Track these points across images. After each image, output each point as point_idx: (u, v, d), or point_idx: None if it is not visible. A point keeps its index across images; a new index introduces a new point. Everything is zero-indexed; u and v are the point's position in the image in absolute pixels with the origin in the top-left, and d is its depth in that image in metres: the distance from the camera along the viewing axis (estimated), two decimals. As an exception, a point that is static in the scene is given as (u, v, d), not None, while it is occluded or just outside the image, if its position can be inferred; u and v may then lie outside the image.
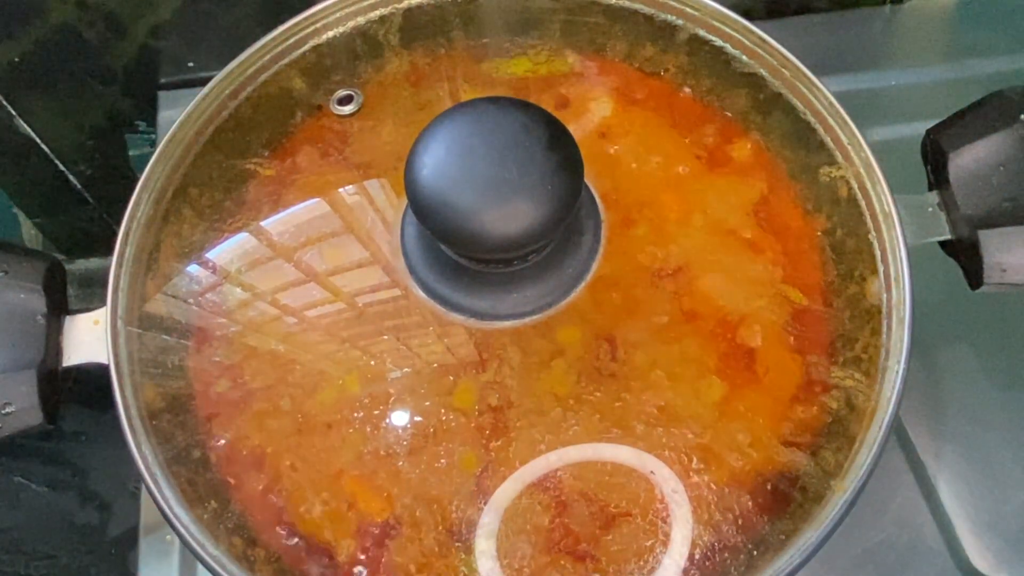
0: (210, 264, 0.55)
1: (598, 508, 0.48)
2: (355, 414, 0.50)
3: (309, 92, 0.59)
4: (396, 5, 0.59)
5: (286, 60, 0.57)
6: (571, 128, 0.58)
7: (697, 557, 0.48)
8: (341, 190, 0.57)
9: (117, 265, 0.48)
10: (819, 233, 0.55)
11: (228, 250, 0.56)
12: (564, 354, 0.51)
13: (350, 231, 0.56)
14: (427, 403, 0.50)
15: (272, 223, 0.56)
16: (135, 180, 0.78)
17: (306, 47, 0.57)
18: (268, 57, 0.56)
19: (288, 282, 0.54)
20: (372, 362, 0.51)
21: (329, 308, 0.53)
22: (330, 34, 0.58)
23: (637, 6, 0.58)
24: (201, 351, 0.53)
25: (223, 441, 0.51)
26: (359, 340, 0.52)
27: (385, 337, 0.51)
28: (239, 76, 0.55)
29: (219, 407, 0.52)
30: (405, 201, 0.53)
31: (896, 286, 0.47)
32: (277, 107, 0.58)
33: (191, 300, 0.54)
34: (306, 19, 0.56)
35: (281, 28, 0.55)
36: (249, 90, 0.56)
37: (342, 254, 0.55)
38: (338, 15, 0.58)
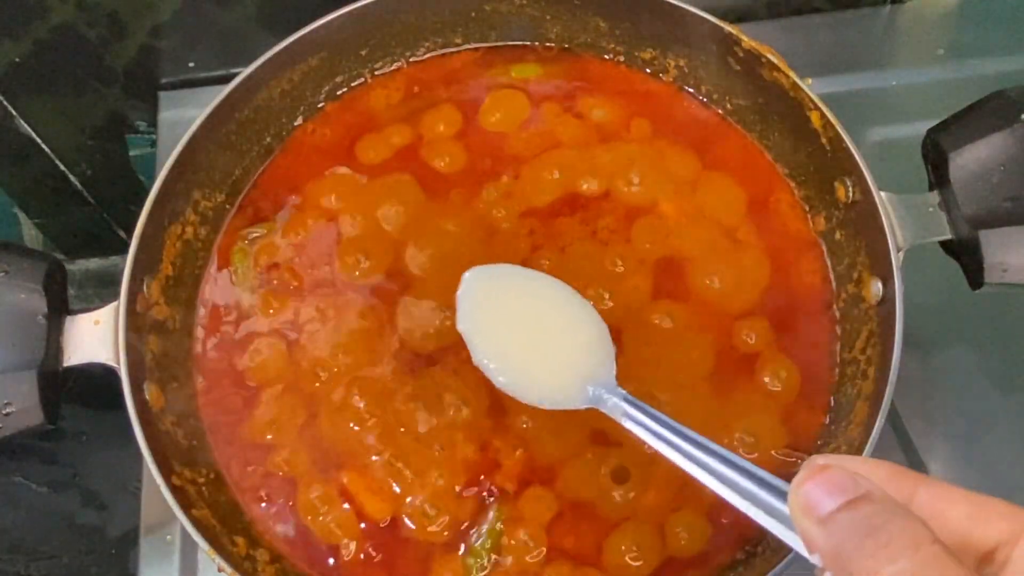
0: (216, 266, 0.56)
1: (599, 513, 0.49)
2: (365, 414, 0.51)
3: (311, 101, 0.60)
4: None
5: (284, 74, 0.57)
6: (572, 130, 0.58)
7: (696, 554, 0.48)
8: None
9: (130, 270, 0.48)
10: (817, 234, 0.55)
11: (231, 251, 0.56)
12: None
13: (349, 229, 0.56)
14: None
15: (275, 225, 0.56)
16: (136, 180, 0.78)
17: (300, 63, 0.57)
18: (267, 73, 0.55)
19: (291, 285, 0.54)
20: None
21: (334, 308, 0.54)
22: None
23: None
24: (207, 353, 0.53)
25: (229, 440, 0.51)
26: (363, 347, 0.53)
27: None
28: (241, 91, 0.55)
29: (226, 406, 0.52)
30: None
31: (892, 287, 0.47)
32: (276, 119, 0.58)
33: (197, 301, 0.55)
34: (307, 33, 0.56)
35: (282, 44, 0.55)
36: (250, 105, 0.56)
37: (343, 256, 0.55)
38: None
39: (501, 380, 0.43)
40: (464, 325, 0.44)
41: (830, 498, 0.28)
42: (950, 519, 0.28)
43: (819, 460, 0.30)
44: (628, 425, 0.40)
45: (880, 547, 0.26)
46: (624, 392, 0.41)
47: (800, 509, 0.29)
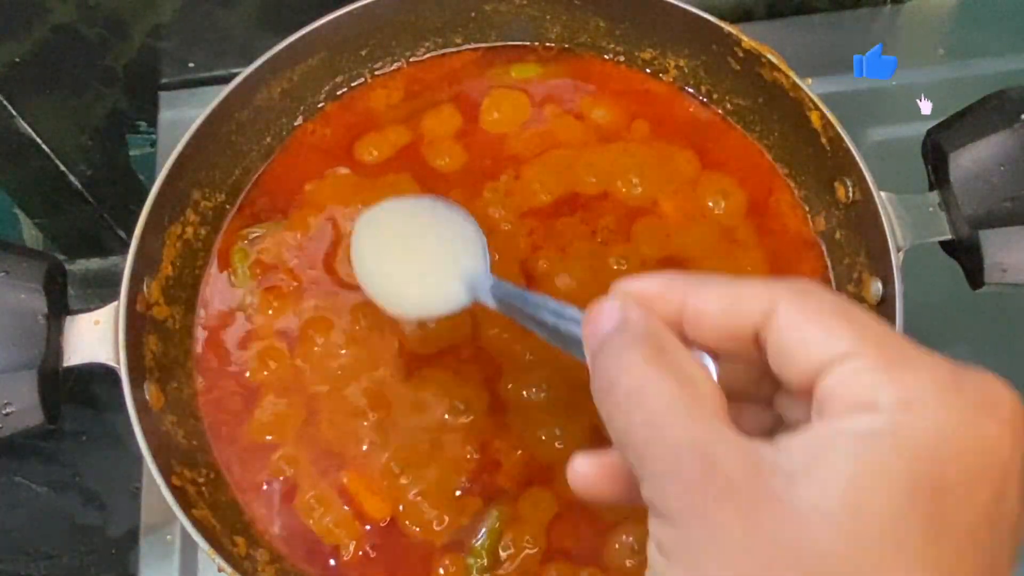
0: (216, 266, 0.56)
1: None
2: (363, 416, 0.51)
3: (311, 101, 0.60)
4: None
5: (284, 74, 0.57)
6: (572, 130, 0.58)
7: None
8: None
9: (130, 270, 0.48)
10: (817, 234, 0.55)
11: (231, 251, 0.56)
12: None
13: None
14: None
15: (275, 225, 0.56)
16: (136, 180, 0.78)
17: (300, 63, 0.57)
18: (267, 73, 0.55)
19: (291, 285, 0.54)
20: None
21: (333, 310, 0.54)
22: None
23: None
24: (207, 353, 0.53)
25: (229, 440, 0.51)
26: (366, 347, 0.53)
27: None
28: (241, 91, 0.55)
29: (226, 406, 0.52)
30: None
31: (892, 287, 0.47)
32: (276, 119, 0.58)
33: (197, 301, 0.54)
34: (307, 33, 0.56)
35: (282, 44, 0.55)
36: (250, 105, 0.56)
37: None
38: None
39: (397, 312, 0.45)
40: (357, 270, 0.46)
41: (599, 331, 0.28)
42: (709, 318, 0.27)
43: (613, 286, 0.29)
44: (494, 307, 0.40)
45: (619, 357, 0.27)
46: (493, 279, 0.41)
47: (586, 347, 0.29)
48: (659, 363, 0.26)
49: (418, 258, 0.45)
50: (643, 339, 0.27)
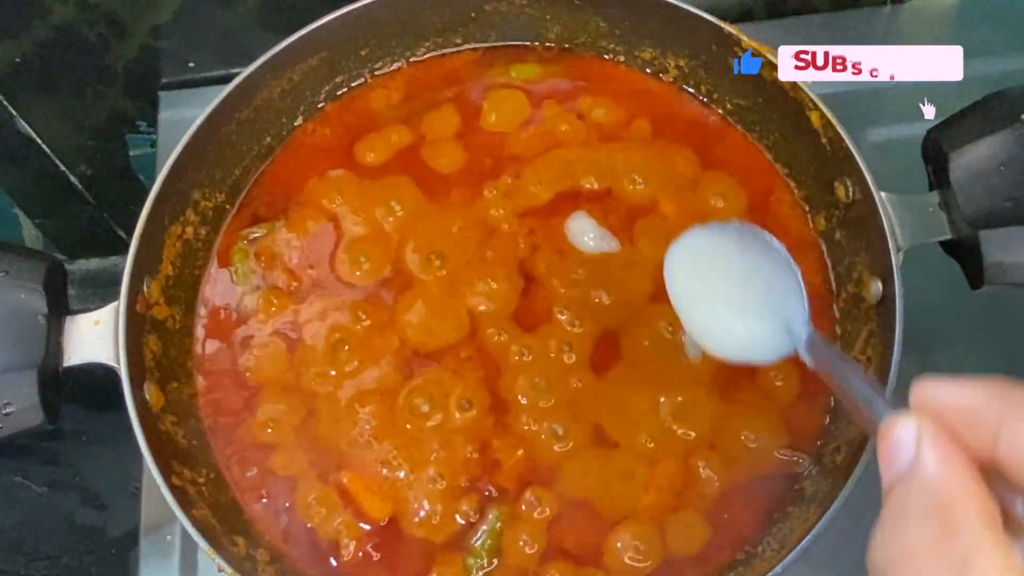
0: (216, 266, 0.56)
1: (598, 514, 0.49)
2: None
3: (311, 101, 0.60)
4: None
5: (284, 74, 0.57)
6: (573, 130, 0.58)
7: (696, 554, 0.48)
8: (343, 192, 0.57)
9: (130, 270, 0.48)
10: (817, 234, 0.55)
11: (232, 251, 0.56)
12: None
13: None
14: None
15: (275, 225, 0.56)
16: (136, 180, 0.78)
17: (300, 63, 0.57)
18: (267, 73, 0.55)
19: (291, 285, 0.54)
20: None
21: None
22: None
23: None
24: (207, 353, 0.53)
25: (229, 440, 0.51)
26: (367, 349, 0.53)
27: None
28: (241, 91, 0.55)
29: (226, 406, 0.52)
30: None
31: (892, 287, 0.47)
32: (276, 119, 0.58)
33: (197, 301, 0.55)
34: (307, 33, 0.56)
35: (282, 44, 0.55)
36: (250, 105, 0.56)
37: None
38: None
39: (718, 353, 0.42)
40: (675, 304, 0.43)
41: (888, 468, 0.24)
42: None
43: (916, 389, 0.25)
44: (809, 363, 0.38)
45: (900, 533, 0.22)
46: (810, 330, 0.38)
47: (881, 469, 0.25)
48: (939, 555, 0.21)
49: (736, 295, 0.42)
50: (930, 512, 0.22)
